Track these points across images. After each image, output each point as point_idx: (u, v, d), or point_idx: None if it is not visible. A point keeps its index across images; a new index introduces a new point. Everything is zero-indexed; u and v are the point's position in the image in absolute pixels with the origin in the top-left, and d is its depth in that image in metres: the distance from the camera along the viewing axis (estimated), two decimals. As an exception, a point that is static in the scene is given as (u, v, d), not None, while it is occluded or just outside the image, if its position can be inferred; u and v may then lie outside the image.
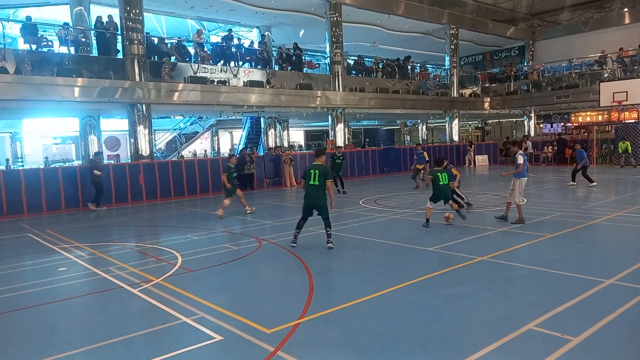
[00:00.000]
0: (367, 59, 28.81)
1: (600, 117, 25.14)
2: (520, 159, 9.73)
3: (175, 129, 29.05)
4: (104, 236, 10.79)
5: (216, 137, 31.51)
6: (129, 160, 18.73)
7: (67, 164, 23.48)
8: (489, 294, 5.79)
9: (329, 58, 23.77)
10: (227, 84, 19.99)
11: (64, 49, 17.56)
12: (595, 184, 15.66)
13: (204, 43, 21.55)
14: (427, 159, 17.49)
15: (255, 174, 19.34)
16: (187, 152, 29.05)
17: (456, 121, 30.14)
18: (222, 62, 21.03)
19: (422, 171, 17.10)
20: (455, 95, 29.99)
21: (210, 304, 5.70)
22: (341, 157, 17.13)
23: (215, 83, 19.49)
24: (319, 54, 29.82)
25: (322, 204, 8.40)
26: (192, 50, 20.59)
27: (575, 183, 16.16)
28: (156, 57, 19.05)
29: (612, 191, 15.34)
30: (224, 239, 9.81)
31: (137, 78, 17.21)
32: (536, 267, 6.71)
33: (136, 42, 17.19)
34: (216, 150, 30.82)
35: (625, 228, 9.31)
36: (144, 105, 17.59)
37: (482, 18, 31.30)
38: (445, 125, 31.23)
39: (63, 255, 8.79)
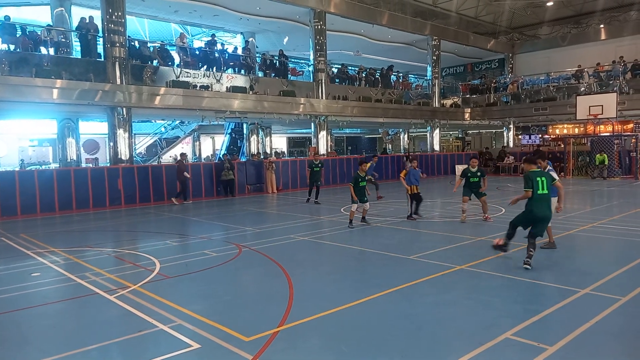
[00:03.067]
0: (350, 68, 29.02)
1: (576, 130, 25.74)
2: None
3: (156, 133, 28.74)
4: (80, 241, 10.56)
5: (198, 142, 31.30)
6: (108, 164, 18.44)
7: (43, 167, 22.98)
8: (469, 302, 5.83)
9: (312, 66, 23.86)
10: (209, 89, 19.89)
11: (43, 50, 17.24)
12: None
13: (187, 47, 21.43)
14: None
15: (236, 180, 19.23)
16: (167, 157, 28.74)
17: (437, 131, 30.52)
18: (205, 67, 20.94)
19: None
20: (437, 106, 30.38)
21: (188, 311, 5.62)
22: (320, 165, 16.46)
23: (197, 88, 19.38)
24: (303, 61, 29.95)
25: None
26: (175, 55, 20.46)
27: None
28: (138, 60, 18.87)
29: (588, 202, 15.67)
30: (203, 245, 9.70)
31: (118, 81, 16.99)
32: (514, 276, 6.80)
33: (118, 44, 16.99)
34: (197, 155, 30.58)
35: (600, 239, 9.51)
36: (124, 109, 17.37)
37: (463, 30, 31.86)
38: (426, 135, 31.58)
39: (37, 260, 8.57)
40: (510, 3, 30.94)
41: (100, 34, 17.55)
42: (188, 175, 17.11)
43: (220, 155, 22.52)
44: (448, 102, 32.99)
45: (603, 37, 30.71)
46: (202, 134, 30.80)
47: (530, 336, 4.69)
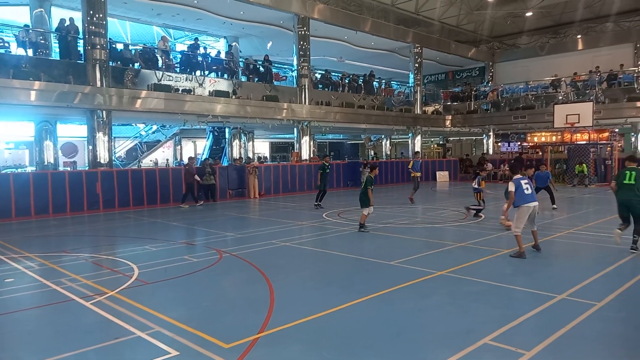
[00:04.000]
0: (333, 74, 29.15)
1: (554, 138, 26.27)
2: (511, 186, 8.44)
3: (136, 137, 28.37)
4: (56, 246, 10.34)
5: (179, 146, 30.99)
6: (86, 168, 18.13)
7: (19, 170, 22.46)
8: (449, 308, 5.88)
9: (296, 71, 23.90)
10: (192, 92, 19.75)
11: (21, 51, 16.92)
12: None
13: (169, 51, 21.26)
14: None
15: (217, 184, 19.09)
16: (148, 161, 28.38)
17: (419, 137, 30.83)
18: (187, 70, 20.80)
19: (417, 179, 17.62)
20: (419, 112, 30.70)
21: (166, 318, 5.54)
22: (329, 168, 16.90)
23: (179, 91, 19.22)
24: (286, 66, 29.97)
25: None
26: (157, 58, 20.27)
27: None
28: (120, 63, 18.64)
29: (565, 209, 15.97)
30: (183, 250, 9.59)
31: (99, 84, 16.75)
32: (493, 281, 6.89)
33: (99, 46, 16.77)
34: (179, 159, 30.27)
35: (577, 245, 9.70)
36: (104, 112, 17.12)
37: (445, 38, 32.32)
38: (408, 141, 31.86)
39: (11, 266, 8.36)
40: (491, 12, 31.52)
41: (81, 35, 17.30)
42: (198, 179, 17.42)
43: (201, 160, 22.33)
44: (429, 109, 33.38)
45: (580, 47, 31.48)
46: (183, 138, 30.51)
47: (508, 341, 4.75)
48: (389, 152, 36.02)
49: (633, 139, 26.43)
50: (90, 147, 17.36)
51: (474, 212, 13.29)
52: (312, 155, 24.92)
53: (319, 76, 28.48)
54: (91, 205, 16.13)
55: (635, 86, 25.95)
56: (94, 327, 5.42)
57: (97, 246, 10.63)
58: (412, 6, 29.69)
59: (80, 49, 17.50)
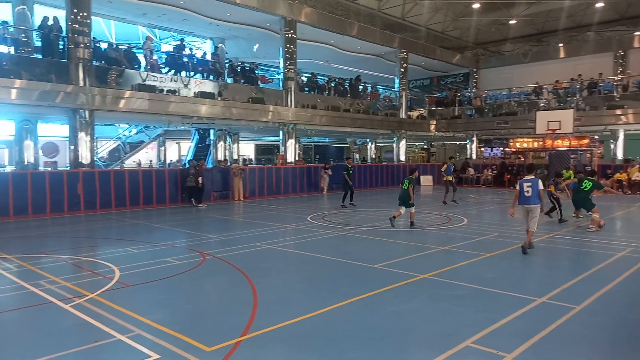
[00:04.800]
0: (320, 77, 29.19)
1: (535, 144, 26.66)
2: (517, 186, 9.33)
3: (119, 137, 28.01)
4: (35, 247, 10.14)
5: (163, 148, 30.67)
6: (68, 168, 17.84)
7: (-2, 170, 22.00)
8: (431, 311, 5.92)
9: (282, 73, 23.88)
10: (177, 93, 19.58)
11: (2, 48, 16.58)
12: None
13: (155, 51, 21.06)
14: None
15: (203, 186, 18.95)
16: (131, 162, 28.04)
17: (403, 142, 31.02)
18: (172, 71, 20.63)
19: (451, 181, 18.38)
20: (404, 117, 30.90)
21: (147, 321, 5.47)
22: (352, 169, 18.08)
23: (164, 92, 19.04)
24: (273, 69, 29.96)
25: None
26: (142, 58, 20.07)
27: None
28: (103, 62, 18.40)
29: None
30: (166, 252, 9.49)
31: (82, 83, 16.50)
32: (475, 285, 6.95)
33: (82, 45, 16.52)
34: (162, 160, 29.97)
35: (556, 249, 9.85)
36: (87, 111, 16.85)
37: (431, 44, 32.62)
38: (393, 145, 32.05)
39: (-12, 267, 8.17)
40: (475, 19, 31.92)
41: (64, 34, 17.04)
42: (199, 182, 17.79)
43: (186, 162, 22.16)
44: (414, 113, 33.62)
45: (562, 55, 32.03)
46: (167, 139, 30.21)
47: (489, 344, 4.79)
48: (373, 156, 36.18)
49: (612, 146, 26.92)
50: (72, 147, 17.08)
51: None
52: (297, 158, 24.89)
53: (305, 79, 28.50)
54: (72, 206, 15.86)
55: (615, 94, 26.51)
56: (73, 330, 5.33)
57: (77, 248, 10.46)
58: (399, 12, 29.92)
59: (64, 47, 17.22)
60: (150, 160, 29.24)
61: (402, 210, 12.57)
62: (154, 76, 19.40)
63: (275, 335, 5.09)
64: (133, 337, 5.00)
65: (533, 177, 9.40)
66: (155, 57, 20.75)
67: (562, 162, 24.37)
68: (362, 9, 28.30)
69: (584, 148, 24.68)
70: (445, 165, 18.71)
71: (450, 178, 18.29)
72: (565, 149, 24.84)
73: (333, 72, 31.15)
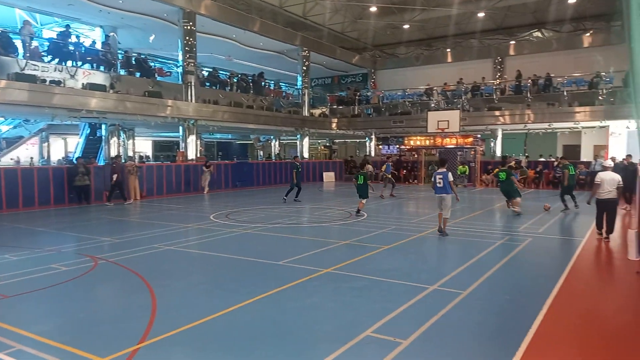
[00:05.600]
0: (221, 72, 28.55)
1: (427, 142, 28.62)
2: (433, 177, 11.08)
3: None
4: None
5: (46, 143, 27.90)
6: None
7: None
8: (333, 304, 6.10)
9: (181, 67, 22.96)
10: (62, 85, 17.93)
11: None
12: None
13: (35, 37, 19.07)
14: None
15: (92, 185, 17.62)
16: (8, 159, 25.19)
17: (307, 139, 31.52)
18: (56, 60, 18.85)
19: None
20: (306, 115, 31.38)
21: (30, 334, 4.98)
22: (300, 167, 19.39)
23: (47, 83, 17.35)
24: (171, 61, 28.65)
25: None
26: (19, 44, 18.05)
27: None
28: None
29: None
30: (51, 258, 8.67)
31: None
32: (374, 277, 7.30)
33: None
34: (45, 158, 27.29)
35: (446, 239, 10.67)
36: (-50, 102, 14.82)
37: (331, 44, 33.46)
38: (296, 142, 32.41)
39: None
40: (372, 22, 33.34)
41: None
42: (113, 179, 17.43)
43: (74, 159, 20.41)
44: (317, 111, 34.29)
45: (449, 60, 34.67)
46: (51, 134, 27.54)
47: (388, 332, 5.07)
48: (277, 152, 36.28)
49: (492, 144, 29.78)
50: None
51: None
52: (198, 155, 24.14)
53: (206, 74, 27.69)
54: None
55: (494, 97, 29.33)
56: (-64, 352, 4.68)
57: (-60, 257, 9.16)
58: (300, 10, 30.25)
59: None
60: (32, 158, 26.51)
61: (364, 201, 14.15)
62: (34, 65, 17.58)
63: (177, 340, 4.91)
64: (12, 353, 4.52)
65: (444, 170, 10.78)
66: (36, 43, 18.80)
67: (450, 159, 26.41)
68: (264, 5, 28.18)
69: (469, 146, 26.99)
70: (385, 165, 20.85)
71: (389, 175, 20.48)
72: (453, 146, 26.97)
73: (236, 67, 30.64)
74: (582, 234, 11.32)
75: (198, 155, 24.01)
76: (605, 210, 10.12)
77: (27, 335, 4.96)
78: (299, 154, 31.57)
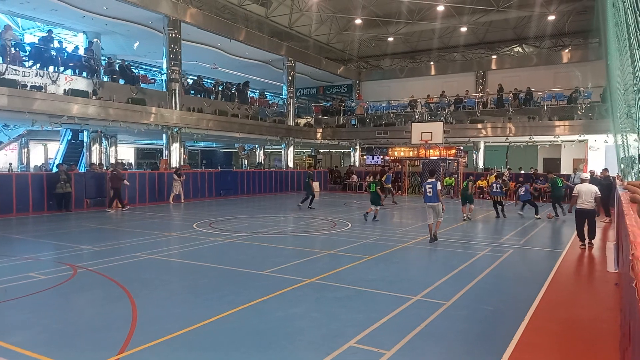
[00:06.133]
0: (206, 80, 28.46)
1: (411, 153, 28.90)
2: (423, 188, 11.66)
3: (-30, 137, 24.42)
4: None
5: (26, 149, 27.36)
6: None
7: None
8: (317, 314, 6.07)
9: (166, 74, 22.82)
10: (43, 90, 17.66)
11: None
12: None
13: (16, 41, 18.77)
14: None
15: (73, 193, 17.32)
16: (-15, 165, 24.64)
17: (292, 148, 31.53)
18: (37, 65, 18.58)
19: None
20: (291, 124, 31.42)
21: (4, 344, 4.84)
22: (311, 176, 20.74)
23: (27, 88, 17.07)
24: (155, 69, 28.49)
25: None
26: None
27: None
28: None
29: (419, 218, 17.59)
30: (29, 266, 8.47)
31: None
32: (358, 287, 7.29)
33: None
34: (25, 164, 26.74)
35: (430, 250, 10.74)
36: None
37: (317, 55, 33.67)
38: (281, 152, 32.40)
39: None
40: (357, 34, 33.70)
41: None
42: (127, 183, 18.46)
43: (54, 166, 20.05)
44: (302, 121, 34.39)
45: (433, 72, 35.17)
46: (31, 139, 27.03)
47: (371, 343, 5.06)
48: (262, 162, 36.19)
49: (475, 156, 30.20)
50: None
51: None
52: (182, 163, 23.93)
53: (191, 82, 27.57)
54: None
55: (477, 110, 29.79)
56: None
57: None
58: (286, 20, 30.43)
59: None
60: (10, 164, 25.96)
61: (373, 207, 15.03)
62: (14, 69, 17.29)
63: (158, 350, 4.82)
64: (-14, 365, 4.38)
65: (434, 179, 11.33)
66: (16, 48, 18.50)
67: (435, 170, 26.67)
68: (250, 15, 28.29)
69: (452, 158, 27.30)
70: (385, 175, 22.03)
71: (389, 186, 21.77)
72: (436, 157, 27.24)
73: (221, 76, 30.59)
74: (562, 246, 11.50)
75: (182, 163, 23.79)
76: (586, 219, 10.78)
77: (2, 346, 4.81)
78: (283, 164, 31.57)
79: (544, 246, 11.66)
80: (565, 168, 28.72)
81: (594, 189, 10.61)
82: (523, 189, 17.60)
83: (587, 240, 10.87)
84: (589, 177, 11.78)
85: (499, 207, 16.82)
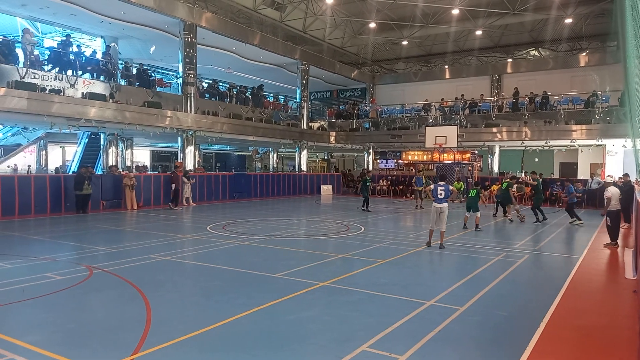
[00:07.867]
0: (221, 84, 28.69)
1: (425, 157, 28.72)
2: (432, 186, 11.81)
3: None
4: None
5: (44, 152, 27.86)
6: None
7: None
8: (329, 318, 6.06)
9: (181, 78, 23.07)
10: (61, 93, 17.98)
11: None
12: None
13: (37, 46, 19.16)
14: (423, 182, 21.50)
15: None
16: (5, 167, 25.12)
17: (305, 152, 31.59)
18: (57, 69, 18.93)
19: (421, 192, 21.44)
20: (305, 128, 31.49)
21: (23, 344, 4.92)
22: (369, 180, 21.08)
23: (47, 91, 17.39)
24: (171, 72, 28.81)
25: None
26: (20, 53, 18.12)
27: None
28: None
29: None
30: (46, 267, 8.61)
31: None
32: (370, 291, 7.26)
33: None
34: (43, 166, 27.22)
35: (444, 255, 10.65)
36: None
37: (331, 58, 33.73)
38: (295, 155, 32.48)
39: None
40: (371, 38, 33.68)
41: None
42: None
43: (75, 168, 20.35)
44: (315, 124, 34.43)
45: (447, 76, 34.96)
46: (50, 142, 27.52)
47: (383, 347, 5.03)
48: (275, 165, 36.32)
49: (490, 160, 29.90)
50: None
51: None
52: (197, 166, 24.12)
53: (206, 85, 27.82)
54: None
55: (492, 114, 29.52)
56: None
57: None
58: (300, 24, 30.55)
59: None
60: (29, 166, 26.46)
61: (468, 214, 14.83)
62: (34, 73, 17.65)
63: (171, 352, 4.87)
64: (4, 363, 4.46)
65: (445, 183, 11.72)
66: (36, 52, 18.90)
67: (448, 174, 26.49)
68: (265, 19, 28.46)
69: (466, 162, 27.08)
70: (415, 179, 22.20)
71: (420, 188, 21.41)
72: (450, 162, 27.04)
73: (235, 79, 30.83)
74: (579, 252, 11.32)
75: (197, 166, 23.98)
76: (617, 220, 11.85)
77: (20, 345, 4.90)
78: (296, 167, 31.63)
79: (560, 252, 11.49)
80: (583, 173, 28.29)
81: (619, 191, 11.86)
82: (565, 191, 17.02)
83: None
84: (614, 179, 12.97)
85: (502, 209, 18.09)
